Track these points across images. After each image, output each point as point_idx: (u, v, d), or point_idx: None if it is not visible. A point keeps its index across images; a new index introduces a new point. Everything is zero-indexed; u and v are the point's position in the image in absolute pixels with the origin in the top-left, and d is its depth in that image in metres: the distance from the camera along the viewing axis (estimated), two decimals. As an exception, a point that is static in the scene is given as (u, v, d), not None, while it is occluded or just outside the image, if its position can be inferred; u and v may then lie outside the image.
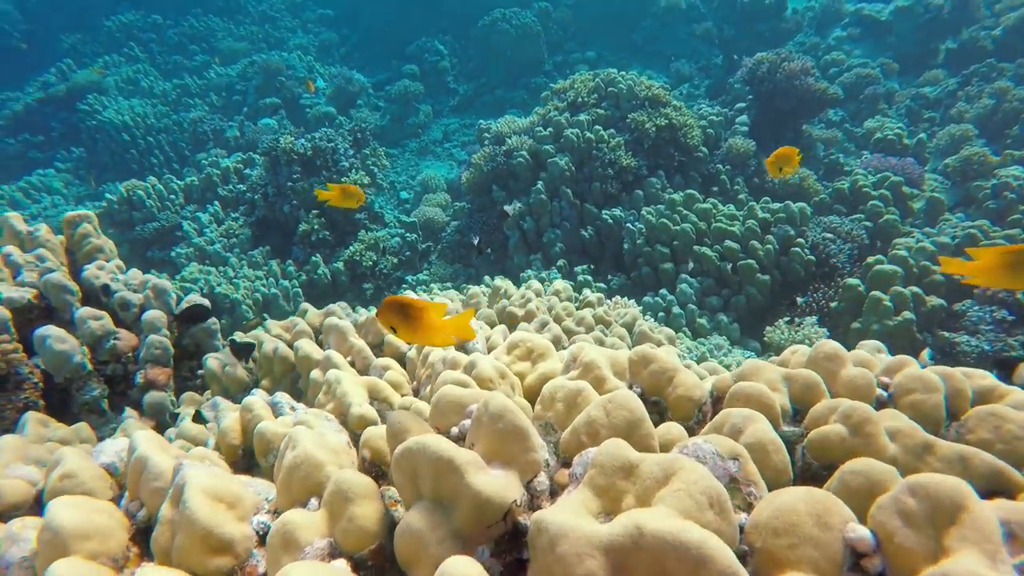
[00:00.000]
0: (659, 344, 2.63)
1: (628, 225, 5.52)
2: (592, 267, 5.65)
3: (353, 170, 6.48)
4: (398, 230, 7.06)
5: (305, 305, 2.52)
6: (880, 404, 1.23)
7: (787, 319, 4.46)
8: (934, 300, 4.23)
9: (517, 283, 5.66)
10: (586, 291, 3.32)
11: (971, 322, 4.14)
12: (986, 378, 1.31)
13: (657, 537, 0.64)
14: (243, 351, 2.27)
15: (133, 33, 11.31)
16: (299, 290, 5.74)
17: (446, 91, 11.93)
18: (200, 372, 2.40)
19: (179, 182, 6.60)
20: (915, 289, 4.19)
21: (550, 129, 6.06)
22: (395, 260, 6.61)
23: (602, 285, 5.31)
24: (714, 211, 5.21)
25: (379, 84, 11.67)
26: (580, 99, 6.20)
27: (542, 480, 0.81)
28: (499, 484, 0.75)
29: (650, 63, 11.80)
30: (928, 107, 7.84)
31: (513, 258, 5.99)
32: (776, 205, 5.02)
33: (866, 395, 1.21)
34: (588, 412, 0.97)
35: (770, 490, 0.92)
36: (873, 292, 4.17)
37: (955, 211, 5.87)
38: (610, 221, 5.62)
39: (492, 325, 2.62)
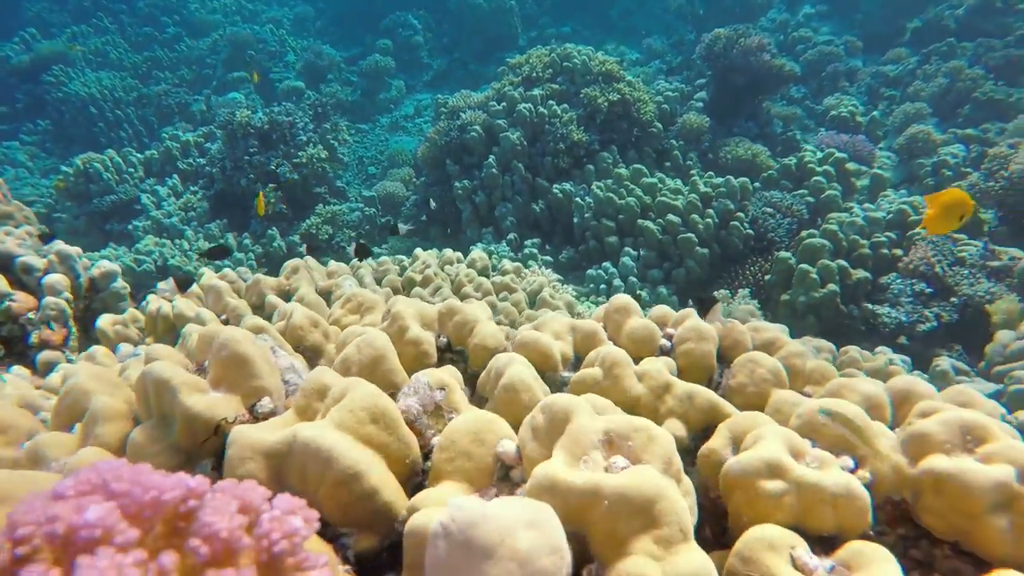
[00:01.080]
0: (555, 308, 2.73)
1: (577, 199, 5.60)
2: (542, 240, 5.74)
3: (311, 144, 6.51)
4: (358, 204, 7.12)
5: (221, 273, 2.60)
6: (663, 352, 1.33)
7: (721, 291, 4.57)
8: (859, 273, 4.34)
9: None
10: (505, 262, 3.41)
11: (893, 295, 4.26)
12: (770, 331, 1.42)
13: (303, 443, 0.74)
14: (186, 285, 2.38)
15: (102, 3, 11.18)
16: (253, 263, 5.81)
17: (420, 66, 11.89)
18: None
19: (138, 155, 6.62)
20: (842, 262, 4.30)
21: (504, 104, 6.10)
22: (352, 234, 6.67)
23: (548, 259, 5.40)
24: (660, 185, 5.29)
25: (353, 59, 11.61)
26: (535, 74, 6.23)
27: (265, 403, 0.90)
28: (209, 403, 0.85)
29: (625, 39, 11.79)
30: (888, 85, 7.90)
31: (466, 232, 6.07)
32: (718, 180, 5.11)
33: (646, 343, 1.31)
34: (346, 350, 1.07)
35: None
36: (801, 265, 4.28)
37: (900, 188, 5.98)
38: (560, 195, 5.70)
39: (396, 291, 2.71)
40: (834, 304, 4.20)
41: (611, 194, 5.30)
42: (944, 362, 3.03)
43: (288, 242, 6.23)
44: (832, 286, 4.19)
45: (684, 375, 1.27)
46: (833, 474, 0.81)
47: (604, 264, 5.11)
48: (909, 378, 1.18)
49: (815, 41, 8.67)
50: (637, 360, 1.28)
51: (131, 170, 6.52)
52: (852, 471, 0.89)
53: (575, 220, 5.63)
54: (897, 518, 0.86)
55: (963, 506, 0.79)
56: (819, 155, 5.64)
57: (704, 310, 1.45)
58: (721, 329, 1.34)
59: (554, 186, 5.76)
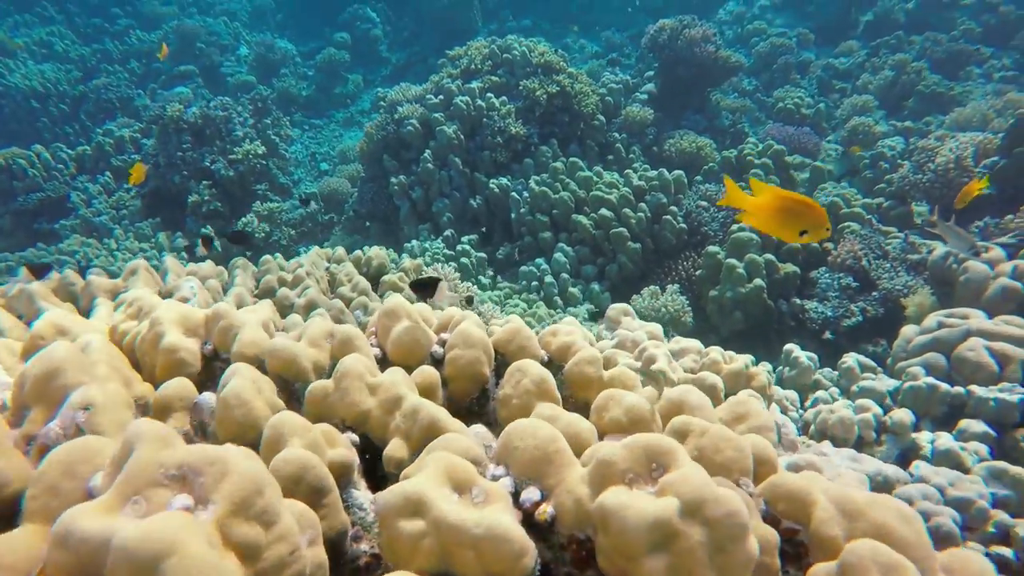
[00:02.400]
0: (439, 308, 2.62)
1: (514, 194, 5.49)
2: (480, 237, 5.63)
3: (247, 140, 6.34)
4: (295, 201, 6.97)
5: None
6: (435, 359, 1.22)
7: (652, 287, 4.49)
8: (788, 267, 4.27)
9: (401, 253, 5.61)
10: (406, 260, 3.30)
11: (820, 289, 4.19)
12: (569, 335, 1.31)
13: None
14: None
15: (47, -7, 10.87)
16: (186, 262, 5.64)
17: (379, 60, 11.72)
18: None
19: (69, 151, 6.41)
20: (769, 256, 4.23)
21: (441, 97, 5.97)
22: (293, 232, 6.53)
23: (483, 255, 5.29)
24: (596, 179, 5.20)
25: (312, 52, 11.41)
26: (474, 66, 6.11)
27: None
28: None
29: (586, 32, 11.69)
30: (839, 78, 7.87)
31: (404, 228, 5.94)
32: (651, 173, 5.03)
33: (413, 351, 1.20)
34: (24, 364, 0.96)
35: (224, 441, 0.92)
36: (728, 259, 4.21)
37: (842, 180, 5.93)
38: (497, 190, 5.58)
39: (269, 292, 2.59)
40: (761, 299, 4.13)
41: (545, 188, 5.19)
42: (850, 359, 2.96)
43: (224, 241, 6.06)
44: (758, 281, 4.12)
45: (452, 385, 1.17)
46: (480, 513, 0.71)
47: (537, 260, 5.01)
48: (683, 388, 1.08)
49: (768, 33, 8.62)
50: (410, 370, 1.17)
51: (61, 166, 6.31)
52: (537, 503, 0.78)
53: (512, 215, 5.52)
54: (584, 559, 0.76)
55: (623, 547, 0.69)
56: (759, 147, 5.57)
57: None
58: (503, 333, 1.23)
59: (491, 181, 5.65)
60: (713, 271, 4.34)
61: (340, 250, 3.07)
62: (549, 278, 4.82)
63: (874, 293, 3.91)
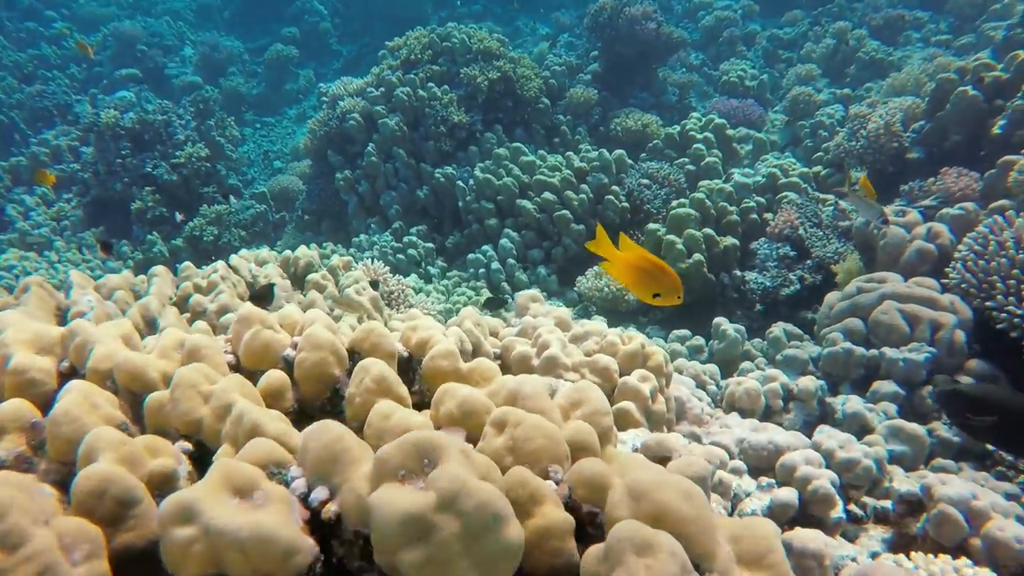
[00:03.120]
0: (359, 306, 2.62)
1: (459, 182, 5.47)
2: (429, 227, 5.62)
3: (189, 143, 6.24)
4: (249, 202, 6.89)
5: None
6: (287, 363, 1.22)
7: (596, 268, 4.51)
8: (727, 240, 4.32)
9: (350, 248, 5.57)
10: (335, 258, 3.28)
11: (760, 260, 4.25)
12: (428, 330, 1.32)
13: None
14: None
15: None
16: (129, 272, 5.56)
17: (330, 53, 11.56)
18: None
19: (2, 163, 6.26)
20: (708, 231, 4.27)
21: (382, 89, 5.92)
22: (243, 233, 6.45)
23: (430, 246, 5.29)
24: (539, 163, 5.19)
25: (260, 49, 11.22)
26: (413, 56, 6.06)
27: None
28: None
29: (536, 13, 11.61)
30: (784, 47, 7.92)
31: (353, 223, 5.91)
32: (592, 154, 5.04)
33: (264, 356, 1.20)
34: None
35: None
36: (667, 236, 4.24)
37: (786, 151, 5.99)
38: (442, 180, 5.56)
39: (184, 300, 2.56)
40: (701, 274, 4.17)
41: (489, 175, 5.19)
42: (777, 328, 3.01)
43: (171, 247, 5.99)
44: (698, 256, 4.16)
45: (301, 387, 1.17)
46: (250, 516, 0.72)
47: (483, 247, 5.01)
48: (519, 379, 1.10)
49: (714, 6, 8.63)
50: (262, 374, 1.17)
51: (-3, 181, 6.17)
52: (324, 501, 0.79)
53: (460, 204, 5.51)
54: (370, 554, 0.77)
55: (382, 541, 0.71)
56: (701, 122, 5.60)
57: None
58: (357, 333, 1.24)
59: (437, 171, 5.62)
60: (654, 248, 4.37)
61: (264, 251, 3.05)
62: (495, 264, 4.83)
63: (808, 261, 3.97)
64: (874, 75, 6.75)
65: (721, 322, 3.07)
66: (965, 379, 2.56)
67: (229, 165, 8.11)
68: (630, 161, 5.36)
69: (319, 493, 0.79)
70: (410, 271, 5.15)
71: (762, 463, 1.71)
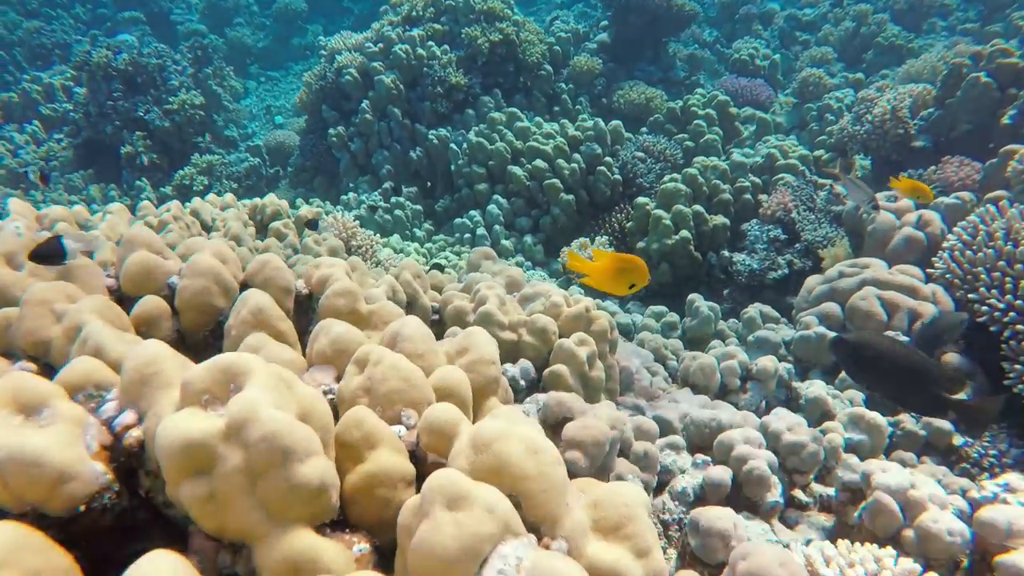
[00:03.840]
0: (316, 255, 2.54)
1: (452, 145, 5.34)
2: (422, 189, 5.51)
3: (183, 89, 6.12)
4: (244, 155, 6.79)
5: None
6: (171, 290, 1.13)
7: (581, 239, 4.40)
8: (717, 219, 4.19)
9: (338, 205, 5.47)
10: (304, 208, 3.19)
11: (750, 241, 4.12)
12: (331, 267, 1.23)
13: None
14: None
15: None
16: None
17: (341, 10, 11.35)
18: None
19: (-3, 98, 6.18)
20: (698, 208, 4.15)
21: (380, 45, 5.76)
22: (235, 186, 6.36)
23: (418, 208, 5.18)
24: (533, 129, 5.06)
25: (270, 1, 11.03)
26: (415, 12, 5.89)
27: None
28: None
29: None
30: (802, 29, 7.67)
31: (344, 181, 5.81)
32: (588, 123, 4.89)
33: (143, 282, 1.11)
34: None
35: None
36: (655, 211, 4.12)
37: (791, 133, 5.82)
38: (436, 142, 5.44)
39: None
40: (687, 251, 4.06)
41: (482, 139, 5.05)
42: (752, 309, 2.91)
43: (160, 194, 5.91)
44: (684, 232, 4.04)
45: (182, 316, 1.09)
46: (14, 436, 0.63)
47: (471, 212, 4.90)
48: (401, 321, 1.01)
49: (733, -18, 8.36)
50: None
51: (-12, 116, 6.08)
52: (128, 426, 0.71)
53: (452, 167, 5.39)
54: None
55: (166, 470, 0.62)
56: (704, 98, 5.43)
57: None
58: (252, 265, 1.15)
59: (431, 132, 5.49)
60: (642, 223, 4.25)
61: (228, 196, 2.95)
62: (481, 230, 4.73)
63: (797, 245, 3.85)
64: (892, 61, 6.54)
65: (695, 299, 2.97)
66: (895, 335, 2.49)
67: (228, 117, 8.01)
68: (627, 134, 5.23)
69: (125, 417, 0.71)
70: (396, 231, 5.06)
71: (704, 441, 1.62)
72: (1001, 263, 2.46)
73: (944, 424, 2.29)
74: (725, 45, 7.67)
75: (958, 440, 2.31)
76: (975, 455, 2.29)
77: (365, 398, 0.82)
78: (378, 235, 3.94)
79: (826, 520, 1.66)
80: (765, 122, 5.49)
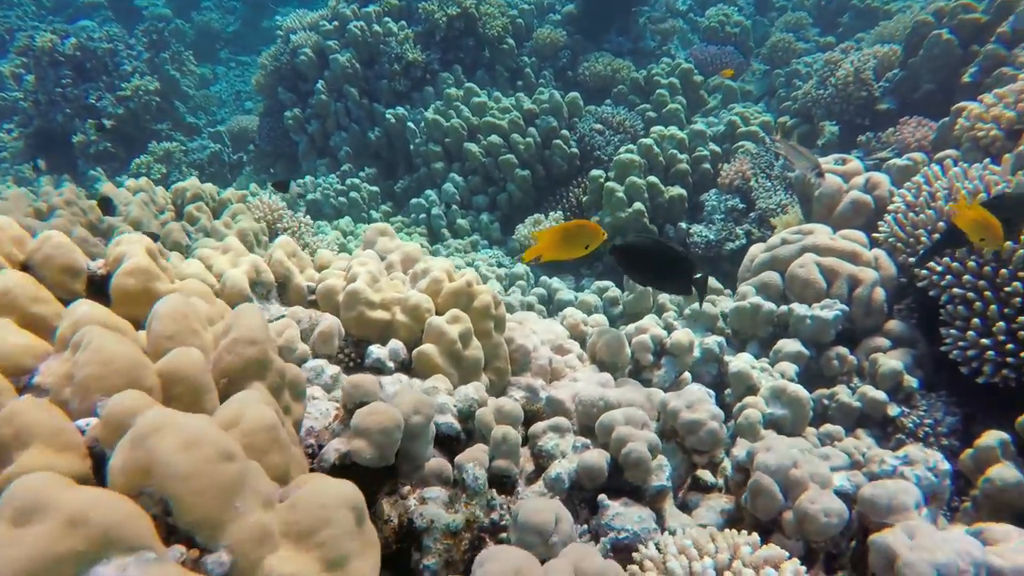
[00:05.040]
0: (223, 237, 2.42)
1: (409, 124, 5.20)
2: (383, 170, 5.38)
3: (137, 74, 5.97)
4: (205, 141, 6.65)
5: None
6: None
7: (536, 216, 4.28)
8: (673, 190, 4.06)
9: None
10: (229, 190, 3.07)
11: (707, 212, 3.99)
12: (128, 244, 1.11)
13: None
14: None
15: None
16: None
17: (313, -9, 11.12)
18: None
19: (-52, 91, 6.03)
20: (652, 179, 4.01)
21: (335, 23, 5.60)
22: (196, 173, 6.22)
23: (375, 189, 5.05)
24: (490, 104, 4.90)
25: (241, -16, 10.81)
26: (370, -13, 5.70)
27: None
28: None
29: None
30: (778, -7, 7.46)
31: (303, 164, 5.67)
32: (544, 95, 4.73)
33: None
34: None
35: None
36: (608, 183, 3.98)
37: (761, 100, 5.65)
38: (393, 120, 5.29)
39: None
40: (641, 224, 3.93)
41: (438, 116, 4.90)
42: (692, 280, 2.77)
43: (116, 183, 5.78)
44: (638, 205, 3.90)
45: None
46: None
47: (426, 192, 4.77)
48: (164, 299, 0.88)
49: (708, -51, 8.13)
50: None
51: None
52: None
53: (411, 146, 5.25)
54: None
55: None
56: (667, 68, 5.27)
57: None
58: (34, 242, 1.03)
59: (388, 111, 5.34)
60: (597, 196, 4.12)
61: (142, 180, 2.84)
62: (436, 209, 4.60)
63: (751, 214, 3.72)
64: (868, 25, 6.33)
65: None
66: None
67: (196, 103, 7.85)
68: (587, 106, 5.08)
69: None
70: (352, 214, 4.93)
71: (592, 421, 1.51)
72: (941, 224, 2.33)
73: (878, 394, 2.18)
74: (699, 13, 7.47)
75: (893, 410, 2.20)
76: (910, 425, 2.18)
77: (67, 387, 0.71)
78: (316, 219, 3.82)
79: (727, 502, 1.55)
80: (731, 90, 5.32)
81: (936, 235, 2.33)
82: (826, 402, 2.24)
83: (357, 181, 5.01)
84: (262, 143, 6.09)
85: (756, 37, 6.84)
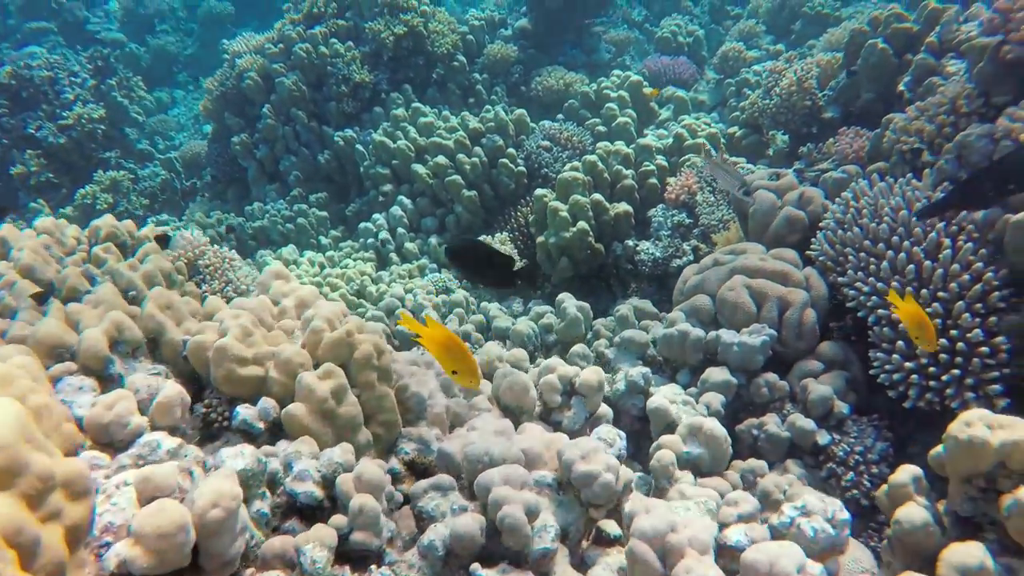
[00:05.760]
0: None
1: (358, 146, 5.11)
2: (335, 193, 5.28)
3: (79, 102, 5.83)
4: (156, 169, 6.52)
5: None
6: None
7: (481, 237, 4.19)
8: (619, 207, 3.99)
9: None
10: (147, 227, 2.96)
11: (654, 228, 3.93)
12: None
13: None
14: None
15: None
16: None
17: (275, 11, 11.00)
18: None
19: None
20: (597, 196, 3.94)
21: (281, 45, 5.51)
22: (145, 201, 6.09)
23: (324, 215, 4.95)
24: (439, 124, 4.83)
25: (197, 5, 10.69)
26: (316, 9, 5.62)
27: None
28: None
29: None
30: (733, 2, 7.47)
31: (253, 190, 5.56)
32: (489, 113, 4.66)
33: None
34: None
35: None
36: (552, 202, 3.91)
37: (714, 111, 5.62)
38: (342, 143, 5.19)
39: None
40: (586, 243, 3.85)
41: (385, 138, 4.82)
42: (625, 307, 2.70)
43: (60, 215, 5.63)
44: (582, 224, 3.83)
45: None
46: None
47: (374, 216, 4.68)
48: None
49: (663, -42, 8.13)
50: None
51: None
52: None
53: (361, 169, 5.16)
54: None
55: None
56: (617, 80, 5.22)
57: None
58: None
59: (336, 133, 5.25)
60: (543, 215, 4.04)
61: (47, 221, 2.71)
62: (384, 234, 4.51)
63: (695, 230, 3.66)
64: (820, 31, 6.33)
65: (563, 299, 2.76)
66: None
67: (152, 128, 7.71)
68: (540, 121, 5.02)
69: None
70: (300, 240, 4.83)
71: (476, 478, 1.41)
72: (867, 243, 2.28)
73: (807, 423, 2.11)
74: (655, 23, 7.45)
75: (823, 439, 2.13)
76: (840, 453, 2.11)
77: None
78: (263, 248, 3.71)
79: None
80: (681, 100, 5.29)
81: (862, 253, 2.27)
82: (755, 432, 2.16)
83: (304, 207, 4.90)
84: (212, 169, 5.98)
85: (711, 46, 6.83)
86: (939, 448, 1.56)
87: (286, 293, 1.81)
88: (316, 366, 1.50)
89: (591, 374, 1.93)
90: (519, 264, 3.99)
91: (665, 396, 2.00)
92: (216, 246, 3.06)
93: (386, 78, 5.48)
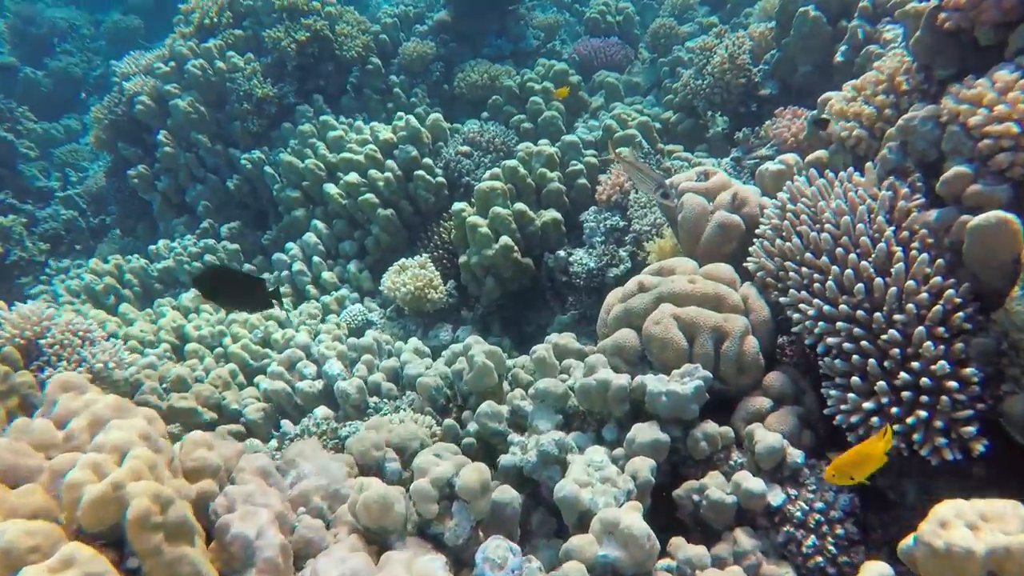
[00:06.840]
0: None
1: (266, 168, 4.65)
2: (251, 222, 4.83)
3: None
4: (57, 207, 5.98)
5: None
6: None
7: (402, 260, 3.79)
8: (547, 215, 3.62)
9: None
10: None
11: (587, 234, 3.56)
12: None
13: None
14: None
15: None
16: None
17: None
18: None
19: None
20: (520, 206, 3.56)
21: (172, 64, 5.00)
22: (44, 246, 5.57)
23: (235, 247, 4.49)
24: (348, 137, 4.40)
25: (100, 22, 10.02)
26: (208, 20, 5.13)
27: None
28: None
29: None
30: (665, -26, 7.08)
31: (160, 225, 5.07)
32: (400, 120, 4.24)
33: None
34: None
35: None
36: (471, 218, 3.52)
37: (649, 94, 5.25)
38: (249, 166, 4.73)
39: None
40: (511, 260, 3.47)
41: (293, 158, 4.38)
42: (541, 347, 2.31)
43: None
44: (505, 239, 3.45)
45: None
46: None
47: (287, 245, 4.25)
48: None
49: (589, -67, 7.71)
50: None
51: None
52: None
53: (273, 193, 4.71)
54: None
55: None
56: (541, 71, 4.83)
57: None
58: None
59: (242, 156, 4.78)
60: (463, 232, 3.65)
61: None
62: (298, 265, 4.08)
63: (627, 236, 3.30)
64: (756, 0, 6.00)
65: (471, 344, 2.36)
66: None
67: (62, 159, 7.14)
68: (468, 121, 4.63)
69: None
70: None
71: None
72: (808, 255, 1.93)
73: (754, 485, 1.76)
74: (585, 3, 7.05)
75: (776, 499, 1.79)
76: (798, 514, 1.77)
77: None
78: (167, 292, 3.28)
79: None
80: (613, 86, 4.92)
81: (804, 268, 1.92)
82: (696, 498, 1.81)
83: (212, 242, 4.44)
84: (113, 206, 5.48)
85: (646, 22, 6.45)
86: (909, 540, 1.22)
87: (76, 410, 1.41)
88: (79, 534, 1.11)
89: (472, 474, 1.54)
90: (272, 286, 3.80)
91: (576, 478, 1.63)
92: (73, 315, 2.61)
93: (293, 90, 5.01)
